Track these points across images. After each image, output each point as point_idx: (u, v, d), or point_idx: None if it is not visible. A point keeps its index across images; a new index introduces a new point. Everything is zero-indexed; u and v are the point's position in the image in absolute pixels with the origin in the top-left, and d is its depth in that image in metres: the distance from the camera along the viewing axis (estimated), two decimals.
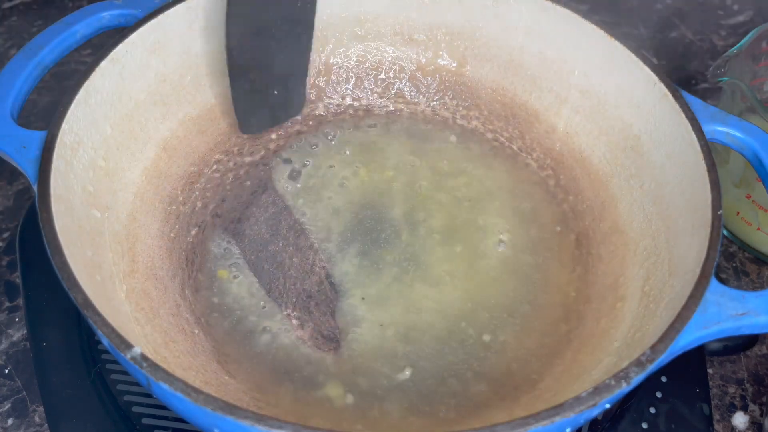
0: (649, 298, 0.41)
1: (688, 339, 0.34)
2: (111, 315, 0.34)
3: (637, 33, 0.69)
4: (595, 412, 0.33)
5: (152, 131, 0.48)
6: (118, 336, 0.32)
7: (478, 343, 0.44)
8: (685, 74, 0.66)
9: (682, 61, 0.67)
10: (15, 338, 0.49)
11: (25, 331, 0.48)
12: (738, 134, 0.42)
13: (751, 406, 0.47)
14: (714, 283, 0.36)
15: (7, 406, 0.46)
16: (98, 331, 0.33)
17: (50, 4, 0.70)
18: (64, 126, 0.40)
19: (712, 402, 0.45)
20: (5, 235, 0.54)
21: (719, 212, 0.38)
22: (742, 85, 0.46)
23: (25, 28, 0.68)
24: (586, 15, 0.47)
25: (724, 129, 0.43)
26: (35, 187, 0.38)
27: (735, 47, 0.48)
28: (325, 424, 0.40)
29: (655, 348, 0.33)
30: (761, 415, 0.46)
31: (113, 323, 0.33)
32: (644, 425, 0.44)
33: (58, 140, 0.39)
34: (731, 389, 0.47)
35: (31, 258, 0.49)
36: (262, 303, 0.45)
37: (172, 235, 0.47)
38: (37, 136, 0.40)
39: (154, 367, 0.31)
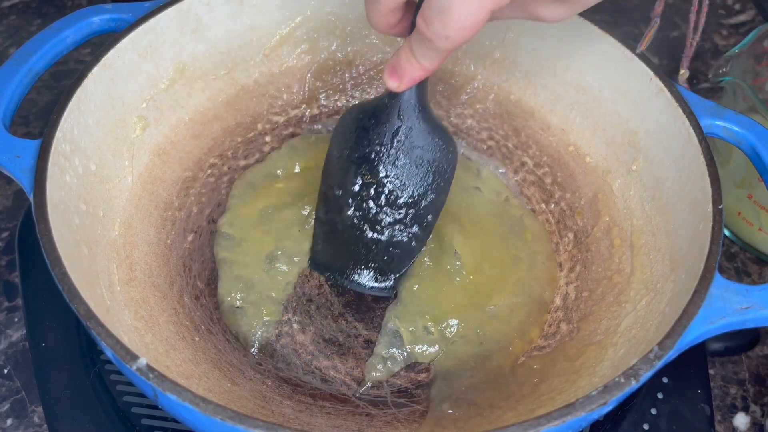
0: (650, 294, 0.41)
1: (694, 334, 0.34)
2: (112, 325, 0.34)
3: (637, 33, 0.69)
4: (604, 411, 0.33)
5: (146, 136, 0.47)
6: (123, 347, 0.32)
7: (483, 344, 0.44)
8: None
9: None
10: (14, 338, 0.48)
11: (24, 331, 0.47)
12: (735, 128, 0.42)
13: (753, 407, 0.47)
14: (718, 277, 0.36)
15: (7, 406, 0.46)
16: (102, 342, 0.32)
17: (49, 3, 0.70)
18: (58, 134, 0.40)
19: (713, 403, 0.45)
20: (4, 235, 0.54)
21: (720, 206, 0.38)
22: (744, 85, 0.46)
23: (24, 27, 0.67)
24: (585, 14, 0.47)
25: (721, 123, 0.43)
26: (31, 197, 0.37)
27: (737, 47, 0.48)
28: (330, 429, 0.40)
29: (663, 344, 0.33)
30: (762, 416, 0.46)
31: (116, 334, 0.33)
32: (645, 426, 0.44)
33: (53, 149, 0.39)
34: (732, 390, 0.48)
35: (30, 258, 0.49)
36: (262, 309, 0.45)
37: (168, 241, 0.47)
38: (31, 145, 0.39)
39: (161, 378, 0.31)
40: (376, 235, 0.45)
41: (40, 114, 0.61)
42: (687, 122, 0.42)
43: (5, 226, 0.54)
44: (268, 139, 0.53)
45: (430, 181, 0.43)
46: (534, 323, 0.45)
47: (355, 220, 0.45)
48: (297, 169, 0.51)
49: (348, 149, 0.44)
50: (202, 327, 0.44)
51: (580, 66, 0.49)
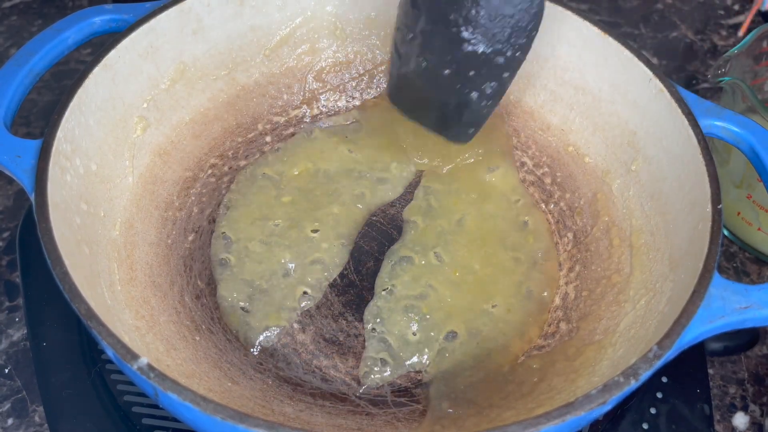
0: (650, 294, 0.41)
1: (694, 333, 0.34)
2: (113, 324, 0.34)
3: (637, 33, 0.70)
4: (604, 410, 0.33)
5: (146, 136, 0.47)
6: (124, 347, 0.32)
7: (480, 343, 0.44)
8: (686, 74, 0.67)
9: (682, 61, 0.68)
10: (15, 338, 0.49)
11: (25, 331, 0.48)
12: (734, 128, 0.42)
13: (752, 407, 0.47)
14: (717, 277, 0.36)
15: (7, 406, 0.46)
16: (102, 341, 0.32)
17: (50, 4, 0.70)
18: (59, 134, 0.40)
19: (712, 402, 0.45)
20: (5, 234, 0.54)
21: (719, 206, 0.38)
22: (743, 85, 0.46)
23: (25, 28, 0.68)
24: (583, 14, 0.48)
25: (720, 123, 0.43)
26: (32, 197, 0.37)
27: (736, 47, 0.48)
28: (330, 428, 0.40)
29: (662, 343, 0.33)
30: (762, 416, 0.47)
31: (117, 333, 0.33)
32: (645, 425, 0.44)
33: (54, 149, 0.39)
34: (732, 389, 0.48)
35: (31, 258, 0.49)
36: (263, 308, 0.45)
37: (169, 241, 0.47)
38: (32, 145, 0.39)
39: (162, 377, 0.31)
40: (445, 89, 0.43)
41: (41, 114, 0.61)
42: (686, 122, 0.42)
43: (6, 225, 0.54)
44: (268, 139, 0.53)
45: (506, 36, 0.40)
46: (533, 323, 0.45)
47: (425, 70, 0.42)
48: (296, 172, 0.51)
49: None
50: (203, 326, 0.44)
51: (580, 66, 0.49)
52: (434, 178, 0.51)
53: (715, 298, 0.35)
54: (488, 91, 0.43)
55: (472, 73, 0.42)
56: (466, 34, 0.40)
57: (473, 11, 0.39)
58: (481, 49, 0.41)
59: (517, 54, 0.41)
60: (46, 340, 0.45)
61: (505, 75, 0.42)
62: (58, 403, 0.43)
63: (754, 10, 0.48)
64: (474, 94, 0.43)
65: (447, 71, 0.42)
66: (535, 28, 0.41)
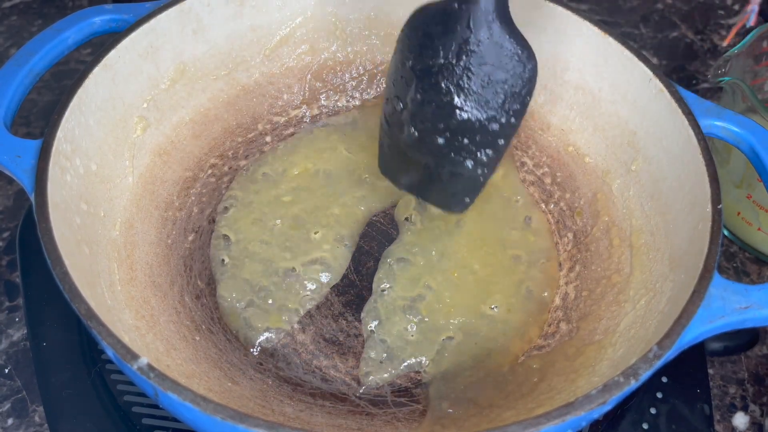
0: (650, 294, 0.41)
1: (694, 333, 0.34)
2: (113, 324, 0.34)
3: (637, 33, 0.70)
4: (604, 410, 0.33)
5: (146, 136, 0.47)
6: (124, 347, 0.32)
7: (479, 343, 0.44)
8: (686, 74, 0.66)
9: (682, 61, 0.67)
10: (15, 338, 0.49)
11: (25, 331, 0.48)
12: (734, 128, 0.42)
13: (752, 407, 0.47)
14: (717, 277, 0.36)
15: (7, 406, 0.46)
16: (102, 341, 0.32)
17: (50, 4, 0.70)
18: (59, 134, 0.40)
19: (712, 402, 0.45)
20: (5, 234, 0.54)
21: (719, 206, 0.38)
22: (743, 85, 0.46)
23: (25, 28, 0.68)
24: (583, 14, 0.48)
25: (720, 123, 0.43)
26: (32, 197, 0.37)
27: (736, 47, 0.48)
28: (330, 428, 0.40)
29: (662, 343, 0.33)
30: (762, 416, 0.47)
31: (117, 333, 0.33)
32: (645, 425, 0.44)
33: (54, 149, 0.39)
34: (732, 389, 0.48)
35: (31, 258, 0.49)
36: (263, 308, 0.45)
37: (169, 241, 0.47)
38: (32, 145, 0.39)
39: (162, 377, 0.31)
40: (439, 158, 0.42)
41: (41, 114, 0.61)
42: (686, 122, 0.42)
43: (6, 225, 0.54)
44: (268, 139, 0.53)
45: (500, 102, 0.39)
46: (533, 323, 0.45)
47: (416, 140, 0.41)
48: (296, 172, 0.51)
49: (411, 58, 0.40)
50: (203, 326, 0.44)
51: (580, 66, 0.49)
52: None
53: (715, 298, 0.35)
54: (483, 158, 0.41)
55: (465, 141, 0.40)
56: (458, 102, 0.39)
57: (465, 78, 0.38)
58: (474, 116, 0.40)
59: (512, 120, 0.40)
60: (46, 340, 0.45)
61: (500, 142, 0.41)
62: (58, 403, 0.43)
63: (738, 26, 0.47)
64: (468, 163, 0.41)
65: (440, 140, 0.41)
66: (530, 93, 0.39)
